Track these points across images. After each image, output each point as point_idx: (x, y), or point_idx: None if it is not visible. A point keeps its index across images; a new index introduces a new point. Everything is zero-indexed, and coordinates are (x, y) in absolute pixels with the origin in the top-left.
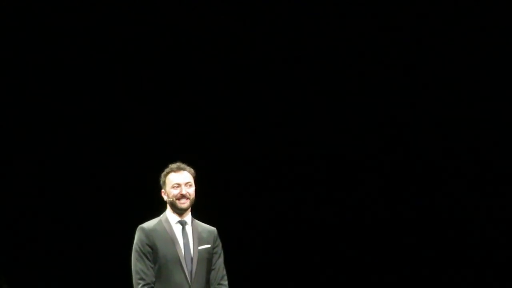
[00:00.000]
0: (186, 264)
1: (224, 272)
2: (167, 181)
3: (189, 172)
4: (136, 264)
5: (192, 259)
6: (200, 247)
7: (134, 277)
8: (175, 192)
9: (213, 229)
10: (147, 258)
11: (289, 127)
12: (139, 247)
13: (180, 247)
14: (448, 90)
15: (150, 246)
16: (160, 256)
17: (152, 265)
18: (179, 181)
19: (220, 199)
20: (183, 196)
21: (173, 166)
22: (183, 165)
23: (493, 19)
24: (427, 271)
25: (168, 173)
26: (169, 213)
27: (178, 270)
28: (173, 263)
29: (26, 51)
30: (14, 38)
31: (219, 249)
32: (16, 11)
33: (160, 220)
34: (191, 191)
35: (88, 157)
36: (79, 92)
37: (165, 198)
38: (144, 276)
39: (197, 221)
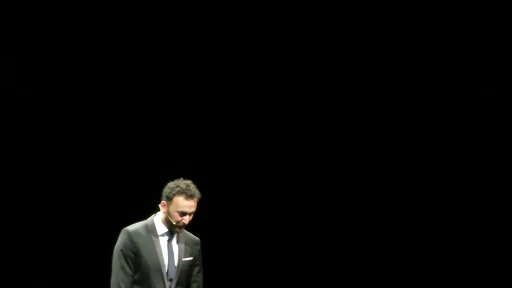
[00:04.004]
0: (167, 276)
1: None
2: (174, 201)
3: (196, 200)
4: (117, 267)
5: (174, 271)
6: (184, 259)
7: (113, 281)
8: (179, 219)
9: (197, 240)
10: (128, 264)
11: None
12: (122, 251)
13: (164, 258)
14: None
15: (133, 252)
16: (142, 264)
17: (132, 272)
18: (187, 211)
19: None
20: (184, 225)
21: (187, 189)
22: (194, 190)
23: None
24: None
25: (179, 193)
26: (158, 221)
27: (159, 280)
28: (155, 273)
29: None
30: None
31: (200, 262)
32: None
33: (146, 226)
34: (191, 218)
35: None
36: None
37: (163, 210)
38: (121, 283)
39: (183, 230)
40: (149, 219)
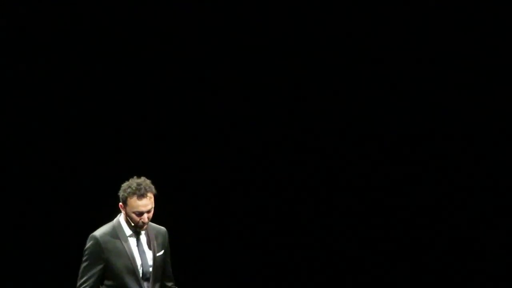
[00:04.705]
0: (142, 275)
1: (172, 275)
2: (129, 203)
3: (150, 196)
4: (83, 276)
5: (150, 270)
6: (157, 255)
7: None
8: (137, 219)
9: (164, 230)
10: (97, 271)
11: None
12: (91, 258)
13: (135, 259)
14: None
15: (103, 259)
16: (114, 269)
17: (99, 280)
18: (142, 210)
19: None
20: (144, 223)
21: (137, 189)
22: (145, 187)
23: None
24: None
25: (130, 195)
26: (123, 221)
27: (134, 282)
28: (129, 276)
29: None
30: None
31: (168, 250)
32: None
33: (114, 228)
34: (150, 215)
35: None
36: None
37: (123, 211)
38: None
39: (149, 224)
40: (115, 221)
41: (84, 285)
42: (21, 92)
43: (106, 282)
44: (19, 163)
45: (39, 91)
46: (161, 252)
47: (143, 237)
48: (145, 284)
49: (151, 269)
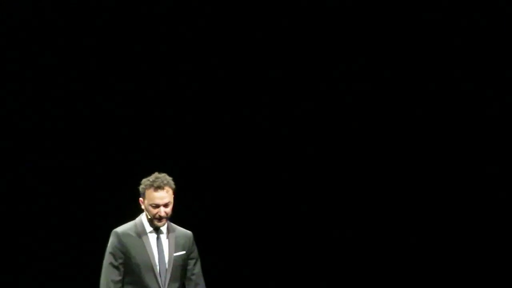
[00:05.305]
0: (160, 272)
1: (203, 282)
2: (146, 195)
3: (168, 190)
4: (106, 269)
5: (166, 267)
6: (175, 254)
7: (102, 280)
8: (154, 212)
9: (189, 233)
10: (118, 265)
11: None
12: (111, 253)
13: (154, 255)
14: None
15: (123, 253)
16: (133, 263)
17: (120, 270)
18: (158, 202)
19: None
20: (160, 217)
21: (155, 181)
22: (163, 180)
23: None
24: None
25: (148, 187)
26: (145, 219)
27: (151, 278)
28: (147, 271)
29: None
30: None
31: (196, 254)
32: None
33: (135, 225)
34: (168, 210)
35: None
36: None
37: (143, 206)
38: (109, 279)
39: (172, 225)
40: (137, 218)
41: (108, 279)
42: (21, 91)
43: (124, 278)
44: (19, 164)
45: (39, 91)
46: (181, 253)
47: (163, 236)
48: (161, 280)
49: (167, 266)
